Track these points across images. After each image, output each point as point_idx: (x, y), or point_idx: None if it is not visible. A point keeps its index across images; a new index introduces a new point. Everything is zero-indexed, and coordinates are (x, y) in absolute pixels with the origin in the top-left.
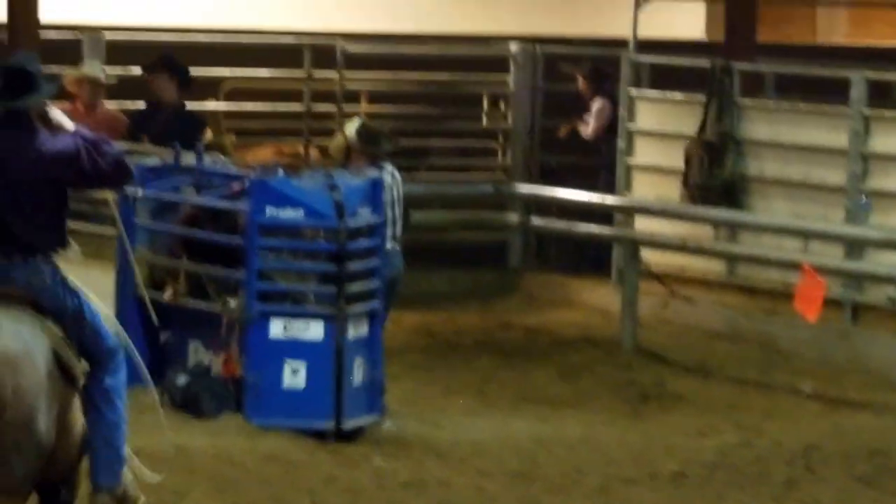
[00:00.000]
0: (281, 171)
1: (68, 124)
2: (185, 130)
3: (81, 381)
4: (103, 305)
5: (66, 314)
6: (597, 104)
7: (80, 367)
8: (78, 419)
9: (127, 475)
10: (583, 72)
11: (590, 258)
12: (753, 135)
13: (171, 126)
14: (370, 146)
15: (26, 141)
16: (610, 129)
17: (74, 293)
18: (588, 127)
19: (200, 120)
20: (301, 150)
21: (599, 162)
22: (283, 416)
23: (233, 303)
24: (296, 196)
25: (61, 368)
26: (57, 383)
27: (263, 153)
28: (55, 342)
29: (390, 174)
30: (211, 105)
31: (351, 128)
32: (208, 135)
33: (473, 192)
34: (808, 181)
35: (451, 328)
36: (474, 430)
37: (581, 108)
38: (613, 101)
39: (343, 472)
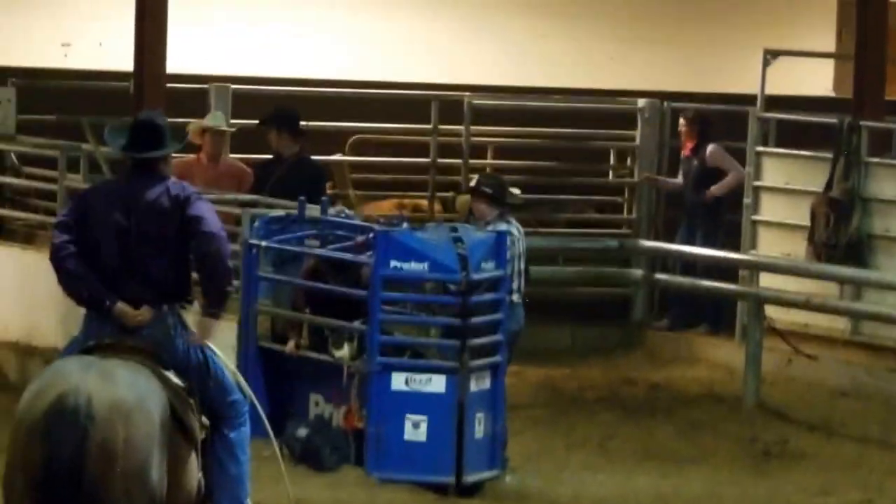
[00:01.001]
0: (405, 224)
1: None
2: (306, 182)
3: (200, 436)
4: (226, 358)
5: (190, 367)
6: (711, 150)
7: (199, 421)
8: (193, 474)
9: None
10: (687, 116)
11: (708, 315)
12: (880, 193)
13: (292, 178)
14: (496, 199)
15: (151, 193)
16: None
17: (199, 346)
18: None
19: (322, 172)
20: (424, 203)
21: (713, 215)
22: (403, 470)
23: (342, 351)
24: (420, 249)
25: (178, 422)
26: (172, 436)
27: (385, 206)
28: (172, 395)
29: (515, 228)
30: (337, 157)
31: (478, 182)
32: (330, 187)
33: (598, 247)
34: None
35: (574, 383)
36: (596, 485)
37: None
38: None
39: None
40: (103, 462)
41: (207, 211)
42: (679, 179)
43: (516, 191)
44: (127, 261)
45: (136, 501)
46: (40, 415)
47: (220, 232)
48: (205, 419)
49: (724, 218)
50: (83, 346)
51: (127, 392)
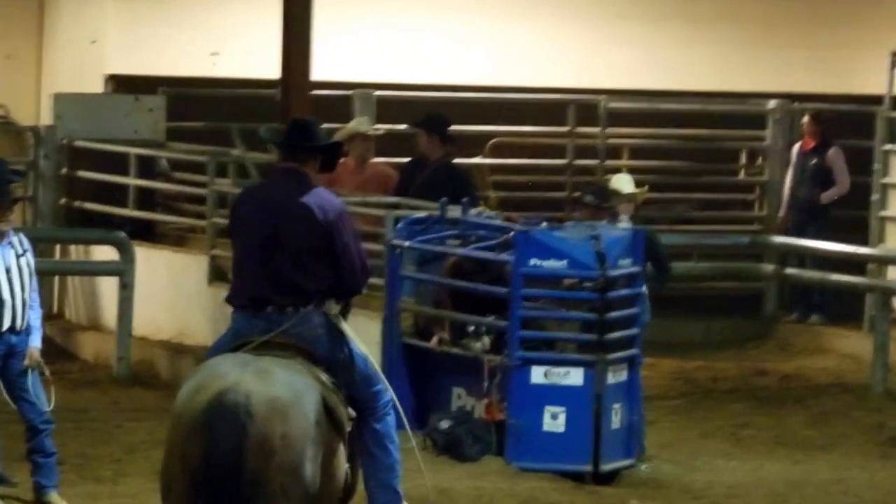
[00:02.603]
0: (544, 224)
1: None
2: (449, 184)
3: (348, 428)
4: (368, 351)
5: (338, 363)
6: (833, 153)
7: (347, 414)
8: (342, 465)
9: None
10: (811, 114)
11: (822, 306)
12: None
13: (437, 181)
14: (599, 207)
15: (299, 194)
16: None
17: (345, 342)
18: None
19: (466, 176)
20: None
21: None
22: (542, 459)
23: (477, 344)
24: (559, 247)
25: (329, 416)
26: (325, 431)
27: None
28: (325, 391)
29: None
30: (476, 160)
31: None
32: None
33: (730, 244)
34: None
35: (708, 374)
36: (728, 472)
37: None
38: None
39: None
40: (261, 458)
41: (352, 238)
42: (789, 179)
43: (644, 187)
44: (270, 263)
45: (292, 495)
46: (200, 411)
47: (360, 264)
48: (351, 411)
49: (831, 215)
50: (232, 344)
51: (284, 390)
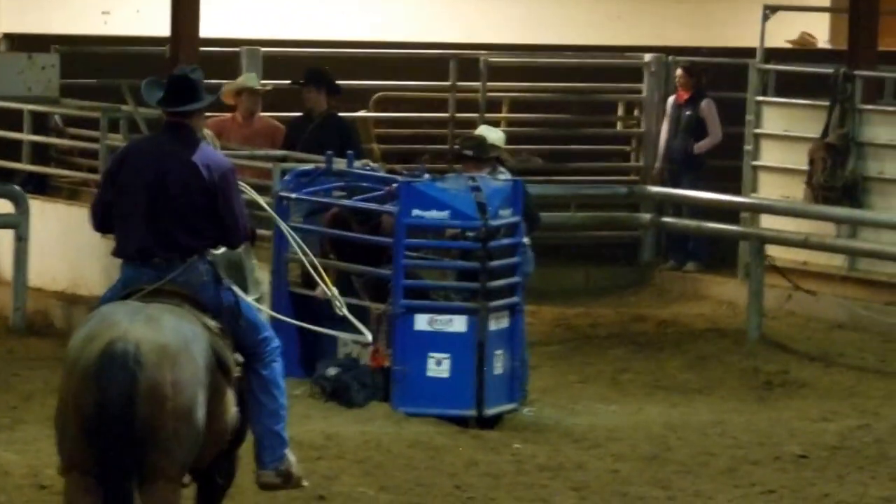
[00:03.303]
0: (426, 175)
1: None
2: (335, 137)
3: (236, 374)
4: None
5: (223, 309)
6: (705, 104)
7: (235, 359)
8: (231, 408)
9: (290, 457)
10: (684, 67)
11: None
12: (873, 138)
13: (323, 134)
14: (479, 159)
15: (185, 150)
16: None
17: (229, 289)
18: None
19: (351, 127)
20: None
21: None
22: (427, 404)
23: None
24: (441, 198)
25: (217, 360)
26: (213, 375)
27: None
28: (212, 336)
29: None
30: (361, 114)
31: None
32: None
33: (608, 193)
34: None
35: (587, 321)
36: (609, 416)
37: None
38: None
39: (484, 456)
40: (153, 404)
41: (236, 198)
42: (664, 131)
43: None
44: (154, 218)
45: (184, 438)
46: (92, 360)
47: (242, 223)
48: (238, 356)
49: (705, 165)
50: (122, 292)
51: (172, 336)
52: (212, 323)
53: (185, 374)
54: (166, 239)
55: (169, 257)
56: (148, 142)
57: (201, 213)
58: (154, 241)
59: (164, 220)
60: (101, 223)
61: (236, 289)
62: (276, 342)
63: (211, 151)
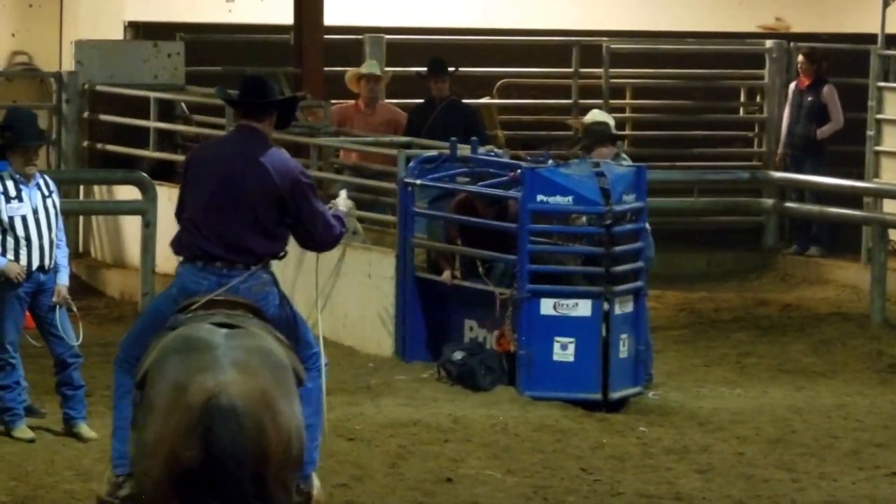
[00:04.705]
0: (551, 161)
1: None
2: (461, 122)
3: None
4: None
5: (283, 322)
6: (827, 90)
7: (302, 369)
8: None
9: (315, 480)
10: (805, 53)
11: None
12: None
13: (447, 119)
14: (612, 139)
15: (254, 152)
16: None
17: (288, 301)
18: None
19: (474, 111)
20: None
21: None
22: (553, 388)
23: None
24: (565, 184)
25: (297, 378)
26: (295, 395)
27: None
28: (288, 352)
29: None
30: (485, 100)
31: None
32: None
33: (731, 179)
34: None
35: (711, 305)
36: (733, 399)
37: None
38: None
39: (610, 439)
40: (260, 451)
41: (316, 201)
42: (786, 116)
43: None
44: (222, 222)
45: (294, 463)
46: (195, 414)
47: (328, 222)
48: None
49: (827, 151)
50: (181, 301)
51: (267, 382)
52: (282, 337)
53: (283, 415)
54: (232, 247)
55: (232, 261)
56: (217, 144)
57: (269, 216)
58: (220, 247)
59: (232, 226)
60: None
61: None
62: (325, 359)
63: (280, 154)
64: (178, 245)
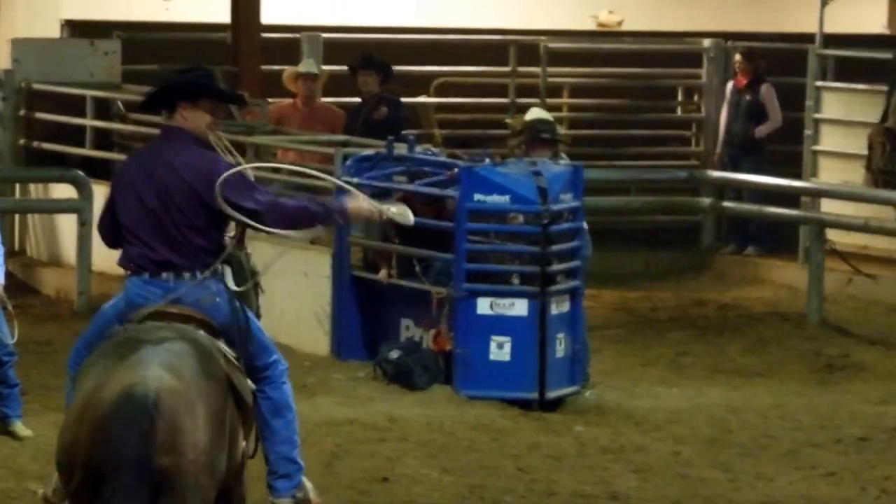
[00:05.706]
0: (488, 160)
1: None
2: (384, 120)
3: (251, 402)
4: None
5: (234, 332)
6: (765, 89)
7: (249, 388)
8: (241, 443)
9: (307, 483)
10: (743, 52)
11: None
12: None
13: (374, 116)
14: (553, 142)
15: (171, 156)
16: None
17: (241, 308)
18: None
19: (396, 109)
20: None
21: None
22: (489, 387)
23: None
24: (502, 182)
25: (235, 397)
26: (232, 415)
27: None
28: (230, 370)
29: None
30: (422, 99)
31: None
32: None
33: (669, 178)
34: None
35: (648, 305)
36: (670, 399)
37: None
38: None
39: (546, 438)
40: (172, 454)
41: (252, 191)
42: (724, 115)
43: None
44: (153, 226)
45: (206, 488)
46: (109, 404)
47: (273, 204)
48: (250, 383)
49: (765, 150)
50: (126, 313)
51: (190, 386)
52: (228, 350)
53: (203, 423)
54: (179, 247)
55: (181, 268)
56: (141, 150)
57: (201, 216)
58: (167, 250)
59: (168, 226)
60: (111, 240)
61: (245, 307)
62: (284, 364)
63: (198, 155)
64: (123, 258)
